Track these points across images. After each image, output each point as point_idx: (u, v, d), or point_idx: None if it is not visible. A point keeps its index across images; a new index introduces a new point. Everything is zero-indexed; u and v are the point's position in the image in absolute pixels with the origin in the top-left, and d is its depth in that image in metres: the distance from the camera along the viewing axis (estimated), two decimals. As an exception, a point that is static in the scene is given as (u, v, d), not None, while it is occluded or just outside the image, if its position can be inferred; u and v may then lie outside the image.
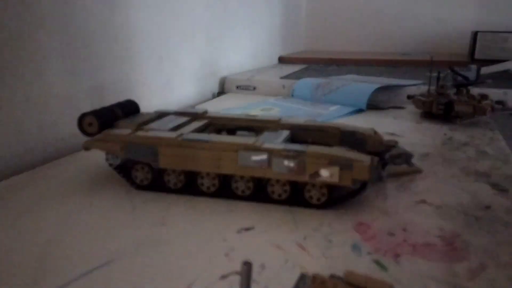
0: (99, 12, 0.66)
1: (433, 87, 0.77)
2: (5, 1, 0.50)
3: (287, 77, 1.11)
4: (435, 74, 0.77)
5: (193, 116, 0.52)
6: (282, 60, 1.59)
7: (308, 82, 0.98)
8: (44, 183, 0.48)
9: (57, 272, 0.31)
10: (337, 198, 0.42)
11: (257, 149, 0.40)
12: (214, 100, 1.01)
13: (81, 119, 0.46)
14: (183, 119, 0.50)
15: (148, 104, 0.80)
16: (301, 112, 0.82)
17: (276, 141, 0.43)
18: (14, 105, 0.53)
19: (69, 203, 0.43)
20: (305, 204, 0.42)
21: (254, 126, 0.51)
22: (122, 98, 0.54)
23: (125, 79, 0.74)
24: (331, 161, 0.39)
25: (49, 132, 0.59)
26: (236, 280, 0.30)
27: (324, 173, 0.39)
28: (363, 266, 0.32)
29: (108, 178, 0.48)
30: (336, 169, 0.39)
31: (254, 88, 1.05)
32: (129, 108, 0.51)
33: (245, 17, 1.27)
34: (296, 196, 0.42)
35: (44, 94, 0.57)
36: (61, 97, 0.60)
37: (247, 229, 0.38)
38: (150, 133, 0.44)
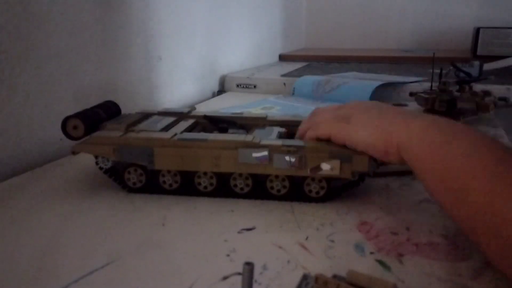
0: (96, 11, 0.65)
1: (435, 84, 0.77)
2: (3, 2, 0.50)
3: (287, 74, 1.11)
4: (437, 71, 0.76)
5: (178, 115, 0.51)
6: (282, 57, 1.58)
7: (309, 80, 0.98)
8: (43, 184, 0.48)
9: (57, 273, 0.31)
10: (336, 191, 0.42)
11: (257, 146, 0.40)
12: (214, 99, 1.00)
13: (65, 122, 0.44)
14: (171, 119, 0.49)
15: (147, 104, 0.80)
16: (301, 111, 0.81)
17: (271, 137, 0.43)
18: (13, 106, 0.53)
19: (69, 204, 0.43)
20: (305, 198, 0.42)
21: (243, 124, 0.50)
22: (120, 98, 0.53)
23: (124, 79, 0.73)
24: (331, 155, 0.39)
25: (48, 132, 0.58)
26: (237, 281, 0.29)
27: (325, 166, 0.40)
28: (366, 266, 0.32)
29: (107, 178, 0.47)
30: (337, 162, 0.39)
31: (255, 86, 1.05)
32: (111, 110, 0.49)
33: (245, 15, 1.26)
34: (295, 190, 0.42)
35: (42, 94, 0.57)
36: (60, 97, 0.60)
37: (248, 229, 0.37)
38: (143, 134, 0.43)
